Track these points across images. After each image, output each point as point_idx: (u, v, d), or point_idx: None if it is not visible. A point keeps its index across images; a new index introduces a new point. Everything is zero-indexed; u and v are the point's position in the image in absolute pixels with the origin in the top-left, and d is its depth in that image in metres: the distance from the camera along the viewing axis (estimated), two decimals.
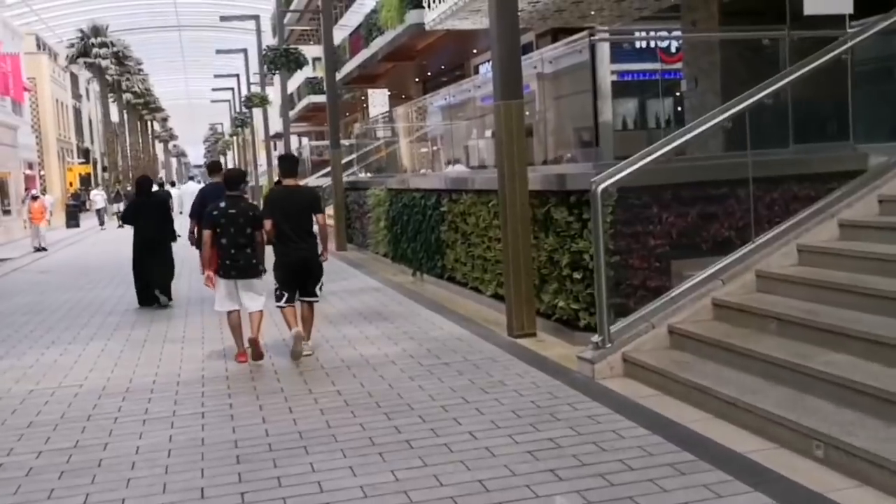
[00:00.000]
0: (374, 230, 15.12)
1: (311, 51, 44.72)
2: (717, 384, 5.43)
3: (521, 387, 6.17)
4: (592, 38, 8.00)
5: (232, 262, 7.39)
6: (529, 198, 7.90)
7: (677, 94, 13.54)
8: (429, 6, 19.36)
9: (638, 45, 14.43)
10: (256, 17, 30.39)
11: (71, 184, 51.18)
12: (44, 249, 22.37)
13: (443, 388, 6.26)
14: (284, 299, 7.57)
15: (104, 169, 57.97)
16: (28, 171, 49.23)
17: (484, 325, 8.63)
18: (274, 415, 5.87)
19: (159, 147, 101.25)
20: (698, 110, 11.99)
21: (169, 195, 27.93)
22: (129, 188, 28.28)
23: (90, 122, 65.63)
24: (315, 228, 7.79)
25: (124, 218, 12.18)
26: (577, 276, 7.51)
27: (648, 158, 6.45)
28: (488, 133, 13.46)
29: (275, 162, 42.45)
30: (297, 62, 17.26)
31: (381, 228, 14.46)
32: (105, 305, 11.75)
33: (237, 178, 7.93)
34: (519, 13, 17.19)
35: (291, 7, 31.78)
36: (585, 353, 6.53)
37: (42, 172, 51.76)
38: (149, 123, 78.53)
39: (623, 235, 7.29)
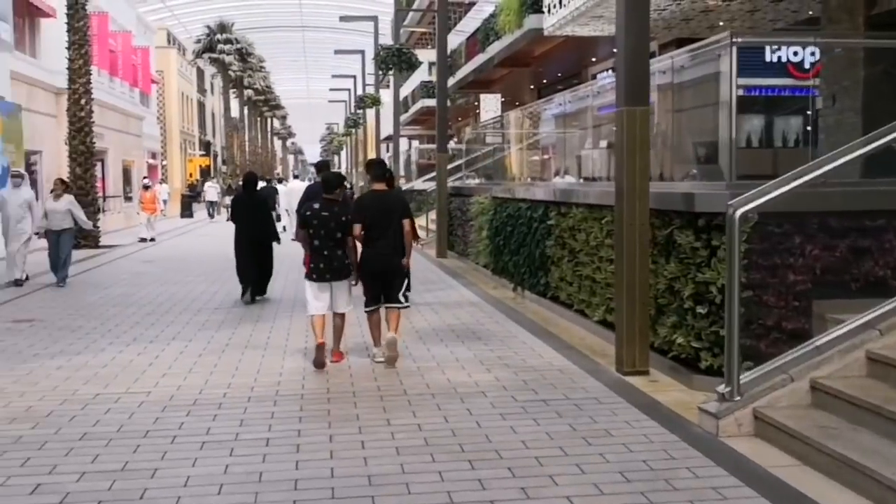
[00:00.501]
0: (476, 239, 14.33)
1: (428, 55, 44.52)
2: (875, 462, 4.37)
3: (631, 439, 5.23)
4: (735, 40, 6.94)
5: (326, 266, 7.33)
6: (650, 217, 6.94)
7: (808, 111, 12.27)
8: (549, 11, 18.40)
9: (768, 58, 13.28)
10: (374, 19, 30.11)
11: (191, 175, 52.48)
12: (151, 240, 22.16)
13: (538, 434, 5.37)
14: (366, 302, 7.56)
15: (223, 162, 59.36)
16: (151, 161, 50.71)
17: (589, 355, 7.68)
18: (344, 450, 5.11)
19: (277, 144, 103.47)
20: (835, 130, 10.74)
21: (275, 191, 27.96)
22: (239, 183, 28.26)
23: (213, 116, 67.35)
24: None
25: (231, 215, 12.09)
26: (700, 310, 6.50)
27: (800, 181, 5.40)
28: (603, 144, 12.52)
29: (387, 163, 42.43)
30: (410, 62, 16.64)
31: (483, 238, 13.65)
32: (196, 302, 11.33)
33: (334, 181, 7.74)
34: None
35: (411, 9, 31.43)
36: (709, 404, 5.53)
37: (164, 162, 53.25)
38: (268, 120, 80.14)
39: (758, 267, 6.25)
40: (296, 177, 31.14)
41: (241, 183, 12.66)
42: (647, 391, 6.41)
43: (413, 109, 43.33)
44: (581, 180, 12.45)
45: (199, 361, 7.65)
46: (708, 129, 9.23)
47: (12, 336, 8.91)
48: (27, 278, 13.21)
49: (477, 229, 14.23)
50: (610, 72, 25.46)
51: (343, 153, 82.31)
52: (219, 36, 47.07)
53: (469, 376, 6.93)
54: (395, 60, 16.36)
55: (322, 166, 11.51)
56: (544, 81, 30.41)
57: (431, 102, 40.19)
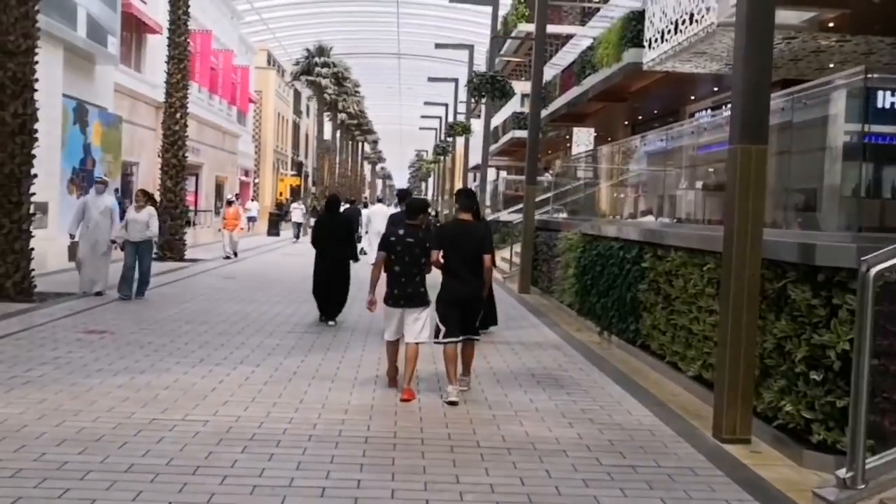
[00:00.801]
0: (562, 277, 13.68)
1: (521, 86, 44.17)
2: None
3: None
4: (869, 76, 6.20)
5: (401, 291, 7.17)
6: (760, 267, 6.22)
7: None
8: (649, 46, 17.70)
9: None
10: (470, 48, 29.88)
11: (281, 193, 53.22)
12: (234, 255, 22.01)
13: None
14: (443, 334, 7.23)
15: (314, 183, 60.04)
16: (244, 178, 51.62)
17: (682, 416, 6.96)
18: None
19: (367, 168, 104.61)
20: None
21: (358, 213, 27.95)
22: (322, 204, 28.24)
23: (306, 137, 68.43)
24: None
25: (312, 237, 11.94)
26: (814, 376, 5.74)
27: None
28: (699, 184, 11.79)
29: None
30: (503, 90, 16.15)
31: (569, 276, 12.99)
32: (270, 324, 11.00)
33: (418, 207, 7.62)
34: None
35: (509, 37, 31.05)
36: (826, 489, 4.78)
37: (256, 180, 54.16)
38: (360, 144, 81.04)
39: (887, 333, 5.46)
40: (380, 200, 31.02)
41: (324, 204, 12.67)
42: (749, 464, 5.67)
43: (503, 140, 42.95)
44: (674, 221, 11.73)
45: (264, 390, 7.23)
46: (827, 174, 8.43)
47: (81, 348, 8.69)
48: (101, 292, 12.86)
49: (563, 266, 13.60)
50: (708, 111, 24.56)
51: (430, 180, 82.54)
52: (316, 59, 47.74)
53: (549, 430, 6.30)
54: (488, 88, 15.89)
55: (405, 194, 11.71)
56: (639, 118, 29.61)
57: (522, 134, 39.75)
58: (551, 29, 37.72)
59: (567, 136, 39.24)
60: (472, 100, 16.04)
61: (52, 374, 7.45)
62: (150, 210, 13.01)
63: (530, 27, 36.26)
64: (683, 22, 15.81)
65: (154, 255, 20.04)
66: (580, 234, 12.72)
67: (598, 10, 30.59)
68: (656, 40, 17.30)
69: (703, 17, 15.05)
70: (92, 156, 28.45)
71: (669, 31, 16.67)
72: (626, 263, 10.11)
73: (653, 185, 13.60)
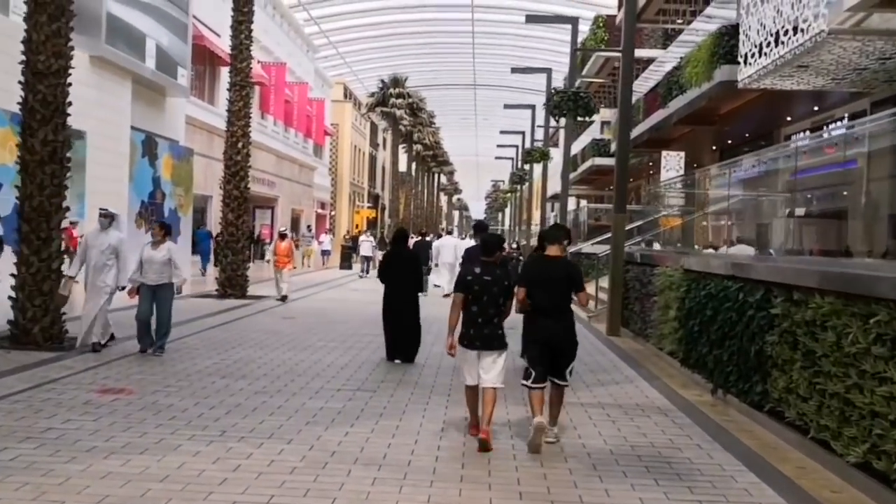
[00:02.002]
0: (660, 319, 11.62)
1: (600, 113, 42.07)
2: None
3: None
4: None
5: (476, 332, 6.70)
6: None
7: None
8: (744, 62, 15.50)
9: None
10: (548, 71, 28.08)
11: (357, 226, 52.16)
12: (282, 300, 18.19)
13: None
14: (532, 378, 6.73)
15: (389, 215, 58.91)
16: (320, 211, 50.77)
17: None
18: None
19: (443, 199, 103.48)
20: None
21: (428, 245, 26.40)
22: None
23: (383, 169, 67.55)
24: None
25: (379, 272, 11.35)
26: None
27: None
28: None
29: (549, 222, 40.03)
30: (587, 108, 14.24)
31: (669, 319, 10.94)
32: (319, 378, 9.28)
33: (494, 244, 7.17)
34: (860, 71, 12.96)
35: (599, 50, 29.11)
36: None
37: (332, 213, 53.26)
38: (436, 175, 79.88)
39: None
40: (449, 232, 29.49)
41: (391, 238, 12.10)
42: None
43: (582, 168, 40.86)
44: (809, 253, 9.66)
45: (288, 482, 5.45)
46: None
47: (84, 415, 7.08)
48: (107, 342, 10.68)
49: (661, 307, 11.54)
50: (807, 133, 22.14)
51: (507, 210, 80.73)
52: (391, 90, 46.65)
53: None
54: (570, 105, 13.95)
55: (480, 227, 10.98)
56: (728, 142, 27.25)
57: (602, 161, 37.64)
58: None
59: (650, 164, 37.00)
60: (554, 120, 14.15)
61: (31, 454, 5.84)
62: (169, 246, 10.70)
63: (609, 53, 34.44)
64: (786, 33, 13.63)
65: (215, 292, 18.84)
66: (683, 270, 10.68)
67: (681, 31, 28.53)
68: (753, 55, 15.14)
69: (809, 25, 12.86)
70: (161, 189, 27.60)
71: (769, 44, 14.50)
72: (747, 308, 8.05)
73: (755, 212, 11.52)
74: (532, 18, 23.38)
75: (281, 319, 14.85)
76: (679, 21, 32.59)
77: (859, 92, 16.74)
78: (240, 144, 18.68)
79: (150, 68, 24.83)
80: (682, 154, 22.72)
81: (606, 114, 42.31)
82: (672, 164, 21.77)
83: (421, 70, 58.03)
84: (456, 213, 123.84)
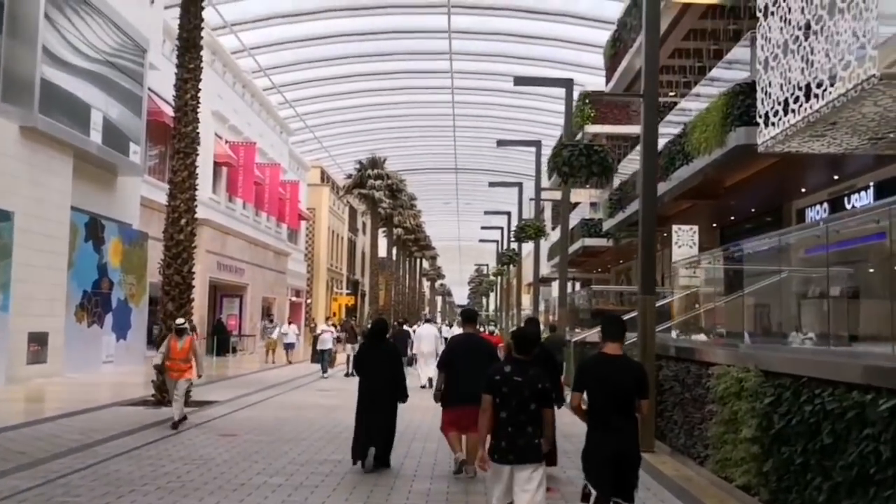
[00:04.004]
0: (721, 437, 8.36)
1: (588, 194, 39.47)
2: None
3: None
4: None
5: (509, 444, 5.70)
6: None
7: None
8: (765, 122, 12.59)
9: None
10: (537, 143, 25.43)
11: (334, 314, 48.73)
12: (177, 425, 12.16)
13: None
14: (593, 499, 5.78)
15: (370, 303, 55.60)
16: (294, 299, 47.39)
17: None
18: None
19: (426, 284, 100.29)
20: None
21: (407, 335, 23.31)
22: (366, 327, 23.02)
23: (363, 255, 64.50)
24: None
25: (355, 368, 10.22)
26: None
27: None
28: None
29: (543, 306, 36.93)
30: (603, 165, 11.26)
31: (742, 440, 7.70)
32: None
33: (531, 340, 6.10)
34: (886, 136, 10.45)
35: (577, 137, 26.59)
36: None
37: (308, 301, 49.90)
38: (417, 260, 76.89)
39: None
40: (428, 320, 26.57)
41: (369, 330, 10.80)
42: None
43: (572, 249, 38.03)
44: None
45: None
46: None
47: None
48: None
49: (723, 420, 8.30)
50: (825, 206, 19.43)
51: (492, 295, 77.59)
52: (370, 171, 44.01)
53: None
54: (581, 162, 10.91)
55: (468, 316, 9.69)
56: (732, 218, 24.56)
57: (593, 242, 34.79)
58: (620, 130, 33.38)
59: None
60: (563, 178, 11.17)
61: None
62: None
63: (597, 129, 32.05)
64: (820, 84, 10.75)
65: (151, 398, 15.40)
66: (759, 373, 7.52)
67: (674, 105, 26.10)
68: (776, 113, 12.27)
69: (852, 72, 9.99)
70: (108, 277, 24.29)
71: (797, 100, 11.61)
72: None
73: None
74: (521, 81, 20.73)
75: (217, 439, 11.36)
76: (672, 94, 30.11)
77: (891, 155, 14.07)
78: (183, 221, 15.53)
79: (95, 143, 21.86)
80: (696, 228, 19.80)
81: (595, 194, 39.84)
82: (685, 238, 18.84)
83: (401, 154, 55.67)
84: (439, 299, 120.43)
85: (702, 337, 11.98)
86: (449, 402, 8.97)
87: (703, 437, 9.19)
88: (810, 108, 11.03)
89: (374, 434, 9.32)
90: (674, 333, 13.02)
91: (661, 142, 22.39)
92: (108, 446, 10.37)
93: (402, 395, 9.62)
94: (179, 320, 12.96)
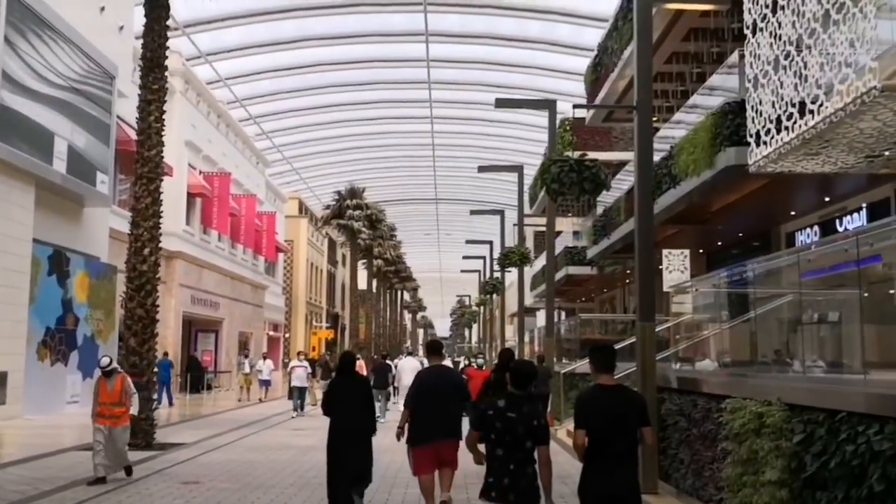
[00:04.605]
0: (737, 477, 7.42)
1: (567, 224, 38.75)
2: None
3: None
4: None
5: (511, 483, 5.42)
6: None
7: None
8: (757, 141, 11.86)
9: None
10: (519, 168, 24.68)
11: (314, 348, 47.50)
12: (100, 481, 10.35)
13: None
14: None
15: (350, 336, 54.46)
16: (272, 333, 46.16)
17: None
18: None
19: (407, 317, 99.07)
20: None
21: (389, 368, 22.34)
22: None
23: (343, 288, 63.36)
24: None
25: (323, 407, 9.32)
26: None
27: None
28: None
29: (528, 337, 35.98)
30: (595, 180, 10.38)
31: (765, 482, 6.76)
32: None
33: (527, 375, 5.77)
34: (883, 153, 9.85)
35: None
36: None
37: (287, 335, 48.66)
38: (398, 292, 75.81)
39: None
40: (410, 353, 25.63)
41: (338, 364, 10.02)
42: None
43: (555, 278, 37.23)
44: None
45: None
46: None
47: None
48: None
49: (740, 460, 7.36)
50: (815, 230, 18.75)
51: (475, 327, 76.60)
52: (348, 202, 43.09)
53: None
54: (572, 178, 10.01)
55: (433, 348, 9.14)
56: (719, 243, 23.86)
57: (577, 270, 34.01)
58: (602, 156, 32.76)
59: (627, 272, 33.54)
60: (553, 196, 10.25)
61: None
62: None
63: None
64: (815, 100, 10.02)
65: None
66: (783, 407, 6.63)
67: (656, 130, 25.47)
68: (768, 132, 11.56)
69: (850, 85, 9.25)
70: (74, 313, 23.15)
71: (790, 117, 10.88)
72: None
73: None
74: (502, 103, 19.95)
75: (178, 488, 10.26)
76: (654, 119, 29.39)
77: (884, 175, 13.41)
78: (146, 250, 14.49)
79: (59, 172, 20.83)
80: (687, 252, 19.03)
81: (577, 222, 39.13)
82: (676, 263, 18.05)
83: (380, 184, 54.85)
84: (420, 332, 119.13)
85: (706, 366, 11.06)
86: (419, 440, 8.42)
87: (715, 478, 8.25)
88: (805, 124, 10.28)
89: (349, 473, 8.73)
90: (675, 364, 12.09)
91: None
92: (53, 500, 9.28)
93: (373, 429, 9.13)
94: (104, 360, 11.05)
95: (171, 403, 24.91)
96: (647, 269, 10.58)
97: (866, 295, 7.53)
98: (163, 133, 14.95)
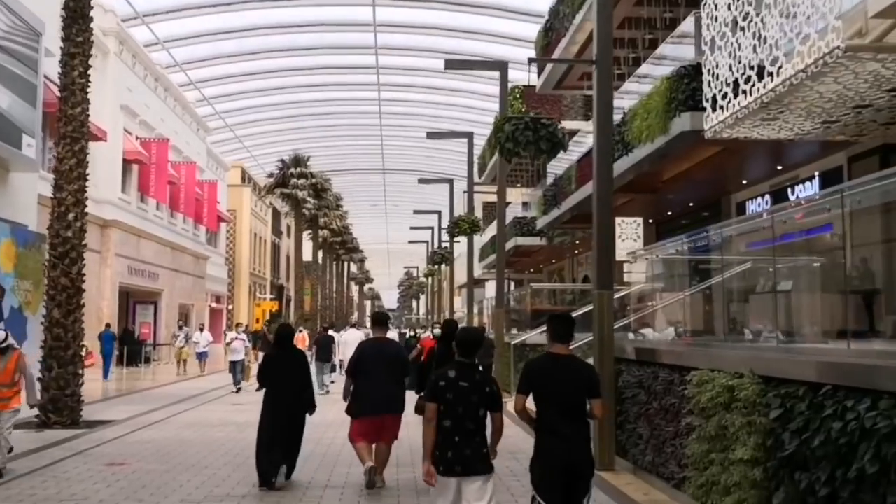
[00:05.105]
0: (703, 454, 6.93)
1: (516, 194, 38.25)
2: None
3: None
4: None
5: (455, 454, 5.33)
6: None
7: None
8: (713, 105, 11.48)
9: None
10: (469, 135, 23.95)
11: (258, 320, 46.41)
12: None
13: None
14: None
15: (296, 308, 53.41)
16: (215, 305, 44.93)
17: None
18: None
19: (354, 289, 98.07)
20: None
21: (332, 340, 21.65)
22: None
23: (288, 259, 62.10)
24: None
25: (259, 379, 9.18)
26: None
27: None
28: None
29: (477, 308, 35.51)
30: (552, 139, 9.70)
31: (735, 461, 6.27)
32: None
33: (473, 341, 5.69)
34: (861, 110, 9.57)
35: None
36: None
37: (230, 307, 47.45)
38: (345, 264, 74.74)
39: None
40: (352, 325, 25.20)
41: (273, 337, 9.82)
42: None
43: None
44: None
45: None
46: None
47: None
48: None
49: (707, 436, 6.87)
50: (766, 199, 18.53)
51: (422, 298, 76.05)
52: (292, 170, 41.84)
53: None
54: (527, 137, 9.31)
55: (378, 319, 9.17)
56: (668, 214, 23.57)
57: (526, 241, 33.60)
58: None
59: (577, 243, 33.24)
60: (506, 155, 9.50)
61: None
62: None
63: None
64: (775, 61, 9.65)
65: (35, 419, 13.33)
66: (755, 379, 6.13)
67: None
68: (725, 96, 11.15)
69: (812, 46, 8.86)
70: None
71: (748, 80, 10.48)
72: None
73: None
74: (452, 64, 19.15)
75: (101, 470, 9.43)
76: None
77: (842, 142, 13.12)
78: (71, 216, 13.47)
79: None
80: (640, 220, 18.64)
81: (527, 192, 38.63)
82: (629, 231, 17.65)
83: (326, 154, 53.55)
84: (368, 304, 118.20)
85: (668, 335, 10.58)
86: (359, 411, 8.46)
87: (677, 454, 7.76)
88: (763, 87, 9.82)
89: (279, 448, 8.59)
90: (630, 334, 11.61)
91: (590, 139, 21.26)
92: None
93: (310, 406, 8.98)
94: None
95: (105, 377, 23.93)
96: (605, 234, 10.03)
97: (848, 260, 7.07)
98: (88, 90, 13.87)
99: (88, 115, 13.99)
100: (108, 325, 26.28)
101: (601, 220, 10.01)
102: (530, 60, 13.04)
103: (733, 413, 6.38)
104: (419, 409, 7.99)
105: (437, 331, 12.36)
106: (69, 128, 13.49)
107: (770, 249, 7.60)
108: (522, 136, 9.43)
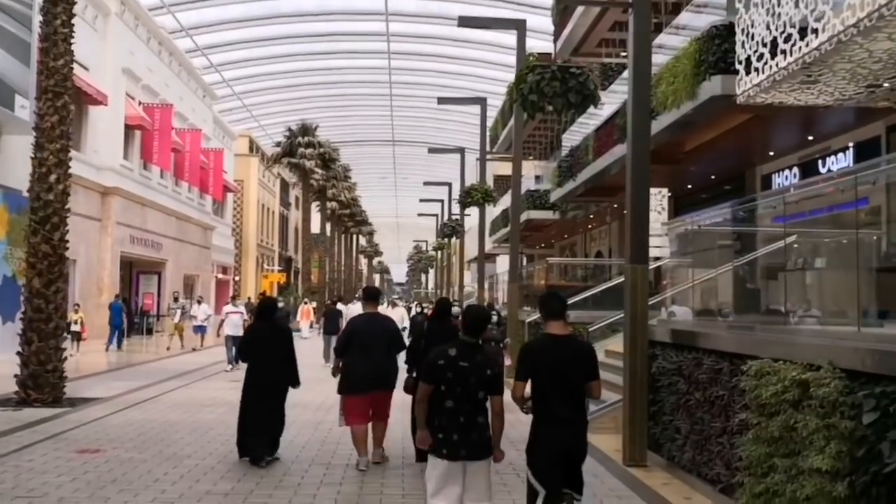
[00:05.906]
0: (763, 458, 5.81)
1: (529, 167, 36.92)
2: None
3: None
4: None
5: (462, 437, 5.06)
6: None
7: None
8: (747, 68, 10.13)
9: None
10: (483, 101, 22.69)
11: (264, 292, 45.43)
12: None
13: None
14: (542, 498, 5.02)
15: (303, 280, 52.48)
16: (221, 276, 43.95)
17: None
18: None
19: (363, 262, 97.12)
20: None
21: (340, 314, 20.87)
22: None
23: (296, 231, 61.07)
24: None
25: (239, 354, 9.15)
26: None
27: None
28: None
29: (488, 283, 34.45)
30: (583, 91, 8.38)
31: (808, 470, 5.14)
32: None
33: (480, 320, 5.41)
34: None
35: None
36: None
37: (237, 278, 46.49)
38: (353, 237, 73.68)
39: None
40: (359, 298, 24.48)
41: (255, 309, 9.73)
42: None
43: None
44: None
45: None
46: None
47: None
48: None
49: (769, 437, 5.74)
50: (794, 172, 17.32)
51: (431, 273, 75.04)
52: (300, 139, 40.60)
53: None
54: (556, 89, 7.86)
55: (373, 294, 8.85)
56: (689, 186, 22.38)
57: (538, 215, 32.41)
58: None
59: (591, 217, 32.07)
60: (525, 114, 8.40)
61: None
62: None
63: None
64: (821, 17, 8.29)
65: (14, 396, 12.35)
66: (835, 371, 5.00)
67: (623, 68, 23.63)
68: (760, 57, 9.82)
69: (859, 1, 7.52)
70: None
71: (789, 38, 9.12)
72: None
73: None
74: (466, 22, 17.87)
75: (72, 458, 8.40)
76: (624, 54, 27.49)
77: (876, 110, 11.85)
78: (53, 177, 12.36)
79: None
80: (665, 191, 17.46)
81: (540, 165, 37.37)
82: (653, 203, 16.38)
83: (335, 124, 52.29)
84: (377, 277, 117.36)
85: (717, 315, 9.43)
86: (352, 388, 8.07)
87: (725, 454, 6.65)
88: (806, 45, 8.57)
89: (262, 424, 8.32)
90: (663, 312, 10.48)
91: (615, 106, 19.98)
92: None
93: (295, 380, 8.63)
94: None
95: (118, 347, 23.60)
96: (640, 202, 8.86)
97: None
98: (72, 40, 12.69)
99: (72, 69, 12.83)
100: (117, 296, 25.37)
101: (636, 185, 8.84)
102: (529, 56, 11.71)
103: (805, 412, 5.26)
104: (408, 388, 7.70)
105: (456, 309, 11.57)
106: (51, 81, 12.34)
107: (852, 214, 6.43)
108: (549, 87, 8.25)
